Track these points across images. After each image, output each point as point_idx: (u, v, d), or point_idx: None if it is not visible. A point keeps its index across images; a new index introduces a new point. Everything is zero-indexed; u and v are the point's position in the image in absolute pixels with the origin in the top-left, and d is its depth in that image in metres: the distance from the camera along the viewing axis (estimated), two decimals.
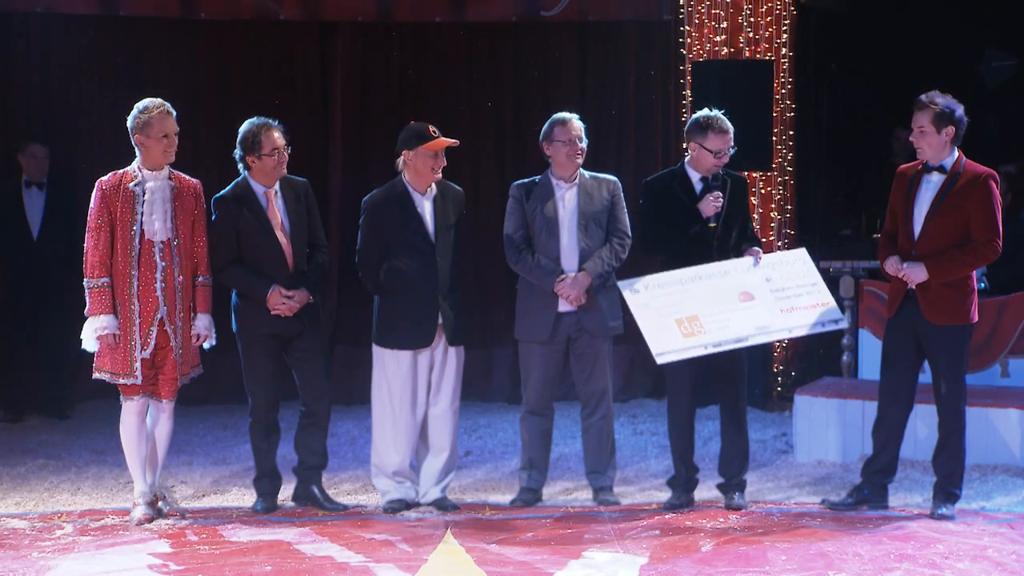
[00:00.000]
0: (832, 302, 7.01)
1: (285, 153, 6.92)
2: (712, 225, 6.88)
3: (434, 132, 6.92)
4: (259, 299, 6.83)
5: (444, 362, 6.99)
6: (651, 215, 7.01)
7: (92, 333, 6.64)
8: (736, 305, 6.87)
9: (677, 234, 6.93)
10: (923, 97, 6.68)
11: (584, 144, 7.04)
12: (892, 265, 6.72)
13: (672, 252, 7.00)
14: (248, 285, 6.87)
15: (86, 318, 6.66)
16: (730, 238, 6.98)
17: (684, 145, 9.79)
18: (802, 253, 7.12)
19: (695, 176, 6.97)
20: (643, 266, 7.21)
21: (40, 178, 9.49)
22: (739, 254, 6.97)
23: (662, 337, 6.83)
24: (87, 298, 6.66)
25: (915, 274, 6.65)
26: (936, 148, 6.66)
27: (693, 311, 6.84)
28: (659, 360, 6.86)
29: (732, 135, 6.95)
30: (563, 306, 7.02)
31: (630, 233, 7.11)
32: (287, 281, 6.86)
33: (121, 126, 6.76)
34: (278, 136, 6.90)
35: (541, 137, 7.11)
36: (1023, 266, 9.03)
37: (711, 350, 6.83)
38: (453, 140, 6.98)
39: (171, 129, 6.68)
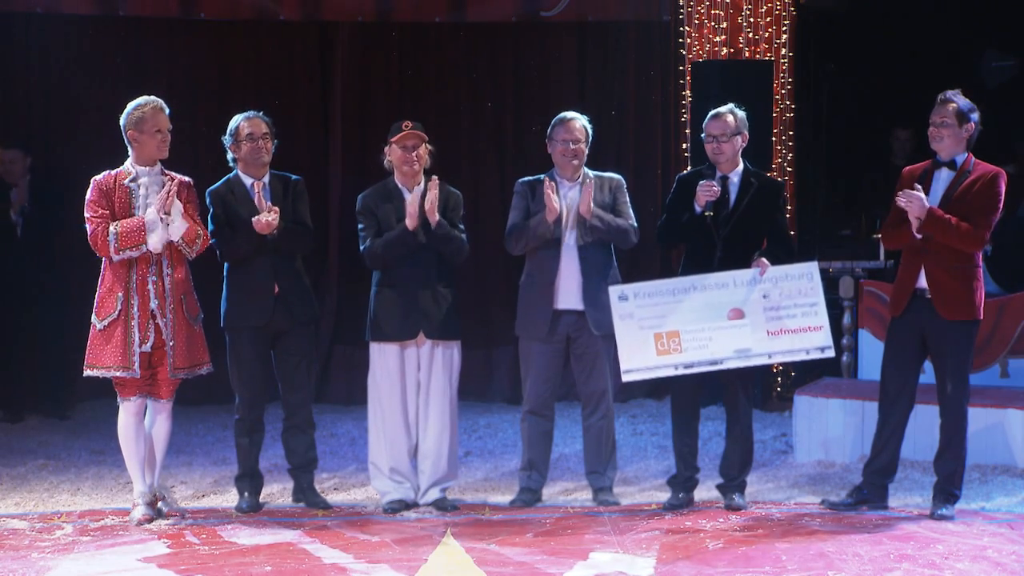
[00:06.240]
0: (825, 326, 6.82)
1: (262, 142, 6.92)
2: (708, 214, 6.82)
3: (406, 126, 6.92)
4: (250, 234, 6.80)
5: (431, 360, 6.99)
6: (669, 206, 7.02)
7: (154, 230, 6.55)
8: (722, 323, 6.79)
9: (673, 223, 6.92)
10: (947, 93, 6.73)
11: (582, 145, 7.03)
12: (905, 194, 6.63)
13: (673, 242, 6.96)
14: (241, 238, 6.86)
15: (142, 242, 6.56)
16: (743, 239, 6.89)
17: (685, 145, 9.88)
18: (809, 268, 6.88)
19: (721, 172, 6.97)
20: (647, 268, 7.21)
21: (16, 181, 9.44)
22: (750, 257, 6.89)
23: (635, 352, 6.80)
24: (124, 252, 6.56)
25: (915, 202, 6.59)
26: (954, 142, 6.70)
27: (675, 326, 6.79)
28: (625, 377, 6.86)
29: (731, 122, 6.89)
30: (561, 303, 7.01)
31: (635, 225, 7.09)
32: (268, 269, 6.88)
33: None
34: (252, 123, 6.92)
35: (547, 135, 7.12)
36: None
37: (681, 371, 6.81)
38: (420, 132, 6.93)
39: (164, 125, 6.68)
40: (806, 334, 6.82)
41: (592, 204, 6.94)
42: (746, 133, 6.96)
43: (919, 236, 6.67)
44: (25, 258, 9.36)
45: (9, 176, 9.43)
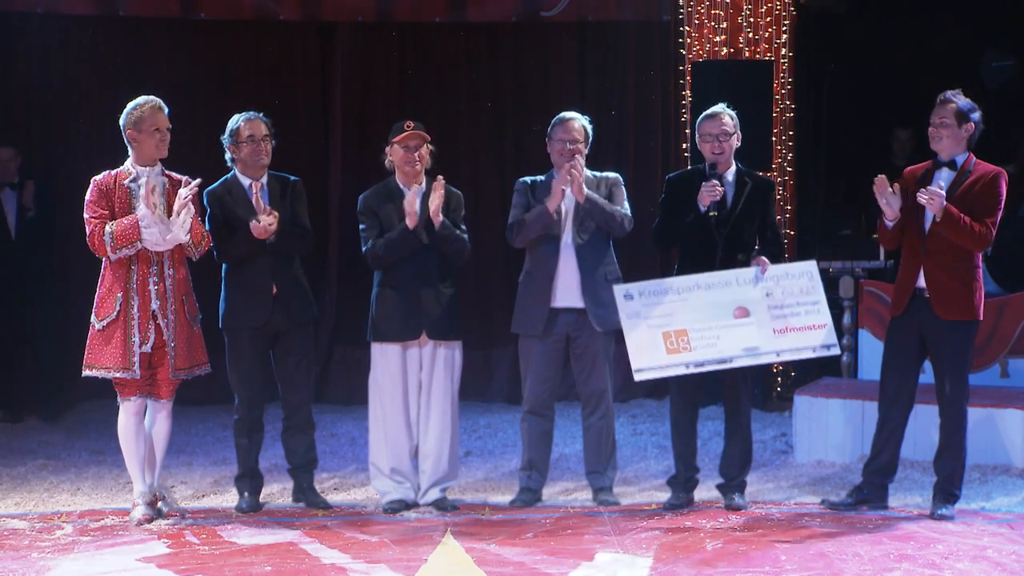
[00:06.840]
0: (829, 324, 6.87)
1: (263, 143, 6.92)
2: (712, 214, 6.81)
3: (408, 126, 6.92)
4: (248, 236, 6.79)
5: (433, 361, 6.99)
6: (664, 207, 7.02)
7: (150, 226, 6.53)
8: (729, 321, 6.80)
9: (676, 223, 6.92)
10: (946, 94, 6.75)
11: (580, 145, 7.02)
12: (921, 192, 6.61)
13: (672, 243, 6.95)
14: (239, 240, 6.86)
15: (137, 240, 6.55)
16: (741, 238, 6.91)
17: (685, 145, 9.88)
18: (810, 267, 6.94)
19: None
20: (647, 268, 7.20)
21: (10, 179, 9.44)
22: (748, 256, 6.91)
23: (645, 351, 6.81)
24: (120, 251, 6.55)
25: (936, 199, 6.58)
26: (954, 142, 6.71)
27: (683, 325, 6.80)
28: (636, 377, 6.87)
29: (730, 122, 6.92)
30: (560, 301, 7.01)
31: (628, 214, 7.09)
32: (266, 270, 6.88)
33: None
34: (252, 125, 6.92)
35: (547, 135, 7.13)
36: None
37: (692, 370, 6.81)
38: (423, 132, 6.93)
39: (163, 124, 6.69)
40: (811, 332, 6.84)
41: (585, 187, 6.93)
42: (739, 132, 6.99)
43: (932, 226, 6.64)
44: (22, 258, 9.36)
45: (4, 174, 9.43)
